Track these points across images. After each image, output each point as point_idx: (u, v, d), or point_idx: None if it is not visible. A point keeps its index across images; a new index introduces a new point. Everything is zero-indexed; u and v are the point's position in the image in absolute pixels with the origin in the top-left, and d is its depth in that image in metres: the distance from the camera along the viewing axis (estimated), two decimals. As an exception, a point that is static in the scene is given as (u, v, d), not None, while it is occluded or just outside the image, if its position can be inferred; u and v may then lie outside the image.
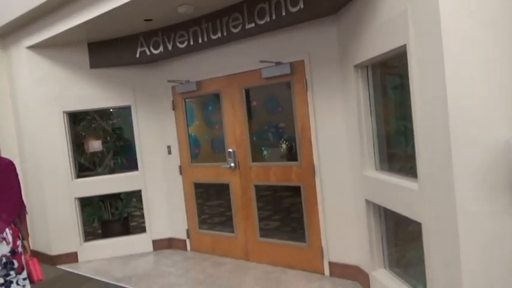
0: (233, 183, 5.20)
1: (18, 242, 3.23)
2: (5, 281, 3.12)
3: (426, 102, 2.61)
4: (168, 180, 5.91)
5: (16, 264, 3.17)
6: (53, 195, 5.64)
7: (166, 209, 5.96)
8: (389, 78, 3.79)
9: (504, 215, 2.37)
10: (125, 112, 6.08)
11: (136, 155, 5.90)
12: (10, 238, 3.15)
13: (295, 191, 4.71)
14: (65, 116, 5.67)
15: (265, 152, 5.07)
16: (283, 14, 4.06)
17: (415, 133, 2.80)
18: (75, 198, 5.72)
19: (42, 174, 5.63)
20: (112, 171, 6.12)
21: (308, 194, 4.53)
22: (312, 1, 3.80)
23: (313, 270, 4.57)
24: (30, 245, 3.48)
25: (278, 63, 4.51)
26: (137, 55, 5.39)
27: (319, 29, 4.25)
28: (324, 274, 4.49)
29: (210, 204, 6.02)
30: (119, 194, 6.16)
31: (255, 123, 5.08)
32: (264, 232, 5.06)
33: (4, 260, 3.12)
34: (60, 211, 5.66)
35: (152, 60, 5.63)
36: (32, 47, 5.52)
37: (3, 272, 3.12)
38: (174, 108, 5.71)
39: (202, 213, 5.84)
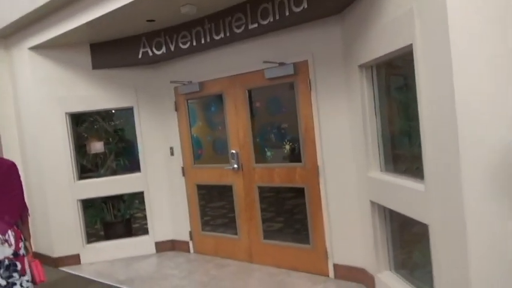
0: (236, 185, 5.17)
1: (21, 244, 3.19)
2: (8, 283, 3.09)
3: (433, 102, 2.58)
4: (170, 182, 5.88)
5: (19, 266, 3.14)
6: (55, 196, 5.62)
7: (169, 211, 5.93)
8: (394, 78, 3.75)
9: (513, 215, 2.34)
10: (127, 113, 6.05)
11: (138, 157, 5.87)
12: (12, 240, 3.12)
13: (299, 192, 4.67)
14: (67, 117, 5.65)
15: (268, 153, 5.04)
16: (287, 14, 4.02)
17: (421, 133, 2.77)
18: (77, 200, 5.70)
19: (44, 176, 5.61)
20: (114, 173, 6.10)
21: (312, 196, 4.49)
22: (315, 1, 3.76)
23: (317, 272, 4.53)
24: (32, 247, 3.46)
25: (281, 64, 4.48)
26: (139, 56, 5.36)
27: (322, 29, 4.21)
28: (328, 276, 4.45)
29: (213, 206, 5.99)
30: (122, 195, 6.13)
31: (258, 124, 5.05)
32: (268, 234, 5.02)
33: (7, 262, 3.09)
34: (62, 213, 5.64)
35: (155, 61, 5.60)
36: (34, 48, 5.51)
37: (6, 274, 3.09)
38: (176, 109, 5.68)
39: (205, 215, 5.81)
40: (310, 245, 4.58)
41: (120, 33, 5.26)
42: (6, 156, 5.50)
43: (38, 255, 5.26)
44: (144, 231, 6.14)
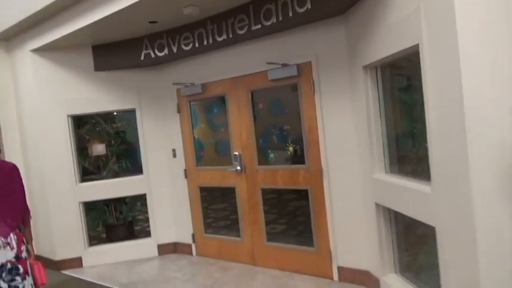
0: (239, 187, 5.14)
1: (23, 247, 3.18)
2: (9, 286, 3.07)
3: (441, 103, 2.54)
4: (173, 184, 5.85)
5: (21, 270, 3.13)
6: (57, 199, 5.59)
7: (172, 213, 5.90)
8: (399, 79, 3.72)
9: (523, 218, 2.30)
10: (129, 115, 6.03)
11: (140, 159, 5.85)
12: (14, 243, 3.10)
13: (303, 194, 4.64)
14: (69, 119, 5.63)
15: (271, 155, 5.00)
16: (290, 14, 4.00)
17: (428, 134, 2.73)
18: (79, 202, 5.67)
19: (46, 178, 5.58)
20: (116, 175, 6.07)
21: (316, 198, 4.46)
22: (319, 1, 3.74)
23: (321, 275, 4.49)
24: (34, 250, 3.43)
25: (285, 65, 4.45)
26: (142, 58, 5.34)
27: (326, 30, 4.19)
28: (332, 279, 4.41)
29: (216, 208, 5.96)
30: (124, 198, 6.10)
31: (261, 125, 5.02)
32: (271, 236, 4.99)
33: (9, 265, 3.07)
34: (64, 215, 5.61)
35: (157, 63, 5.58)
36: (36, 50, 5.49)
37: (9, 278, 3.07)
38: (179, 111, 5.65)
39: (207, 217, 5.77)
40: (314, 247, 4.55)
41: (122, 35, 5.24)
42: (8, 158, 5.47)
43: (39, 258, 5.23)
44: (147, 233, 6.11)
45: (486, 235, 2.32)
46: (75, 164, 5.65)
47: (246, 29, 4.43)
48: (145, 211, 6.05)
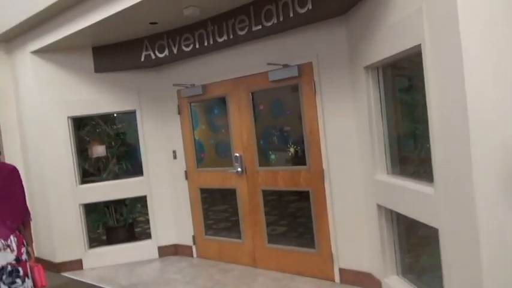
0: (240, 188, 5.12)
1: (23, 249, 3.16)
2: (10, 288, 3.05)
3: (443, 104, 2.52)
4: (173, 186, 5.83)
5: (21, 272, 3.11)
6: (57, 201, 5.57)
7: (172, 215, 5.88)
8: (401, 80, 3.71)
9: (527, 219, 2.28)
10: (129, 117, 6.01)
11: (141, 160, 5.83)
12: (14, 245, 3.08)
13: (304, 195, 4.62)
14: (69, 121, 5.61)
15: (272, 156, 4.98)
16: (291, 15, 3.99)
17: (430, 135, 2.71)
18: (79, 204, 5.65)
19: (46, 180, 5.56)
20: (116, 177, 6.05)
21: (317, 199, 4.44)
22: (320, 2, 3.73)
23: (323, 277, 4.47)
24: (35, 252, 3.41)
25: (286, 66, 4.43)
26: (142, 59, 5.33)
27: (327, 30, 4.17)
28: (334, 281, 4.39)
29: (216, 210, 5.93)
30: (124, 199, 6.08)
31: (262, 126, 5.00)
32: (272, 238, 4.97)
33: (9, 268, 3.05)
34: (64, 217, 5.59)
35: (157, 64, 5.57)
36: (36, 52, 5.47)
37: (9, 280, 3.05)
38: (179, 113, 5.64)
39: (208, 219, 5.75)
40: (316, 249, 4.52)
41: (123, 36, 5.23)
42: (8, 160, 5.46)
43: (39, 261, 5.20)
44: (147, 235, 6.09)
45: (489, 237, 2.30)
46: (75, 165, 5.64)
47: (246, 30, 4.41)
48: (145, 213, 6.03)
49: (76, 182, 5.63)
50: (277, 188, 4.82)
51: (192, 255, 5.74)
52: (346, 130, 4.14)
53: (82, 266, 5.66)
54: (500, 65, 2.27)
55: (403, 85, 3.72)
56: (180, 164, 5.71)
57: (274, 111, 5.03)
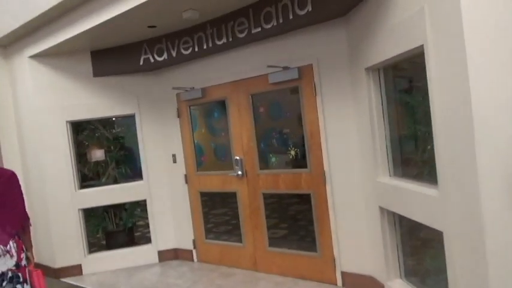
0: (240, 192, 5.08)
1: (23, 255, 3.15)
2: (11, 295, 3.03)
3: (447, 105, 2.49)
4: (173, 190, 5.80)
5: (22, 278, 3.10)
6: (57, 206, 5.53)
7: (172, 219, 5.84)
8: (403, 81, 3.68)
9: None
10: (128, 120, 5.98)
11: (140, 164, 5.80)
12: (14, 251, 3.06)
13: (305, 198, 4.59)
14: (68, 125, 5.58)
15: (273, 159, 4.95)
16: (291, 17, 3.97)
17: (434, 137, 2.68)
18: (79, 209, 5.61)
19: (45, 185, 5.52)
20: (115, 181, 6.01)
21: (319, 202, 4.41)
22: (320, 4, 3.70)
23: (325, 280, 4.43)
24: (35, 257, 3.39)
25: (286, 68, 4.41)
26: (141, 63, 5.30)
27: (327, 32, 4.15)
28: (336, 285, 4.35)
29: (217, 213, 5.90)
30: (123, 204, 6.04)
31: (262, 129, 4.97)
32: (273, 241, 4.93)
33: (10, 273, 3.04)
34: (63, 222, 5.56)
35: (156, 68, 5.54)
36: (34, 56, 5.44)
37: (10, 286, 3.03)
38: (179, 116, 5.61)
39: (208, 223, 5.71)
40: (317, 252, 4.49)
41: (121, 40, 5.20)
42: (6, 165, 5.43)
43: (39, 266, 5.15)
44: (147, 240, 6.05)
45: (495, 239, 2.27)
46: (74, 170, 5.60)
47: (246, 33, 4.39)
48: (145, 217, 5.99)
49: (75, 186, 5.60)
50: (278, 191, 4.78)
51: (192, 260, 5.70)
52: (347, 132, 4.12)
53: (82, 271, 5.62)
54: (505, 64, 2.24)
55: (404, 86, 3.70)
56: (180, 168, 5.68)
57: (275, 113, 5.00)
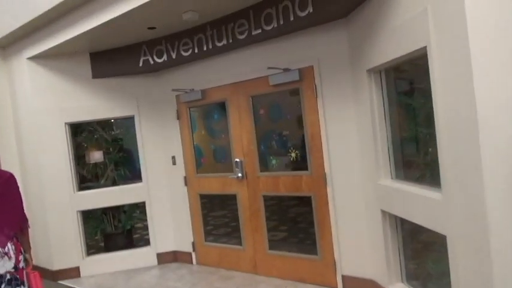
0: (240, 194, 5.05)
1: (21, 257, 3.14)
2: (10, 297, 3.01)
3: (451, 107, 2.47)
4: (172, 192, 5.76)
5: (19, 280, 3.07)
6: (55, 208, 5.50)
7: (171, 221, 5.80)
8: (405, 83, 3.66)
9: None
10: (127, 122, 5.95)
11: (139, 166, 5.76)
12: (12, 253, 3.04)
13: (305, 200, 4.56)
14: (66, 127, 5.55)
15: (273, 161, 4.92)
16: (291, 18, 3.95)
17: (437, 140, 2.65)
18: (77, 211, 5.58)
19: (43, 187, 5.49)
20: (114, 183, 5.98)
21: (319, 205, 4.38)
22: (321, 5, 3.68)
23: (325, 284, 4.40)
24: (33, 259, 3.36)
25: (286, 70, 4.38)
26: (140, 64, 5.28)
27: (328, 34, 4.13)
28: (337, 288, 4.33)
29: (216, 216, 5.87)
30: (122, 206, 6.00)
31: (262, 131, 4.94)
32: (273, 244, 4.90)
33: (8, 276, 3.02)
34: (62, 224, 5.52)
35: (156, 69, 5.52)
36: (33, 58, 5.41)
37: (9, 289, 3.01)
38: (178, 118, 5.58)
39: (208, 225, 5.68)
40: (318, 255, 4.46)
41: (120, 42, 5.18)
42: (4, 167, 5.39)
43: (36, 268, 5.09)
44: (146, 242, 6.02)
45: (501, 243, 2.24)
46: (72, 172, 5.57)
47: (246, 34, 4.37)
48: (144, 219, 5.96)
49: (73, 188, 5.57)
50: (279, 194, 4.75)
51: (191, 262, 5.67)
52: (348, 134, 4.09)
53: (80, 274, 5.57)
54: (510, 64, 2.22)
55: (406, 88, 3.68)
56: (180, 170, 5.64)
57: (275, 115, 4.98)
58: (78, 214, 5.60)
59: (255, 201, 4.92)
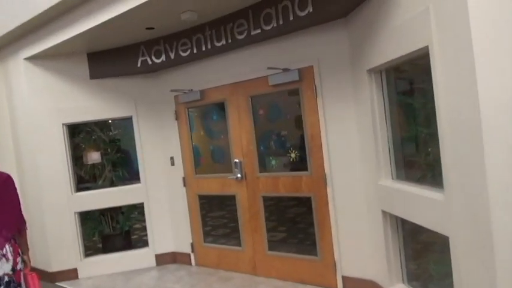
0: (240, 195, 5.03)
1: (18, 259, 3.11)
2: (8, 300, 2.98)
3: (453, 107, 2.45)
4: (171, 192, 5.74)
5: (16, 282, 3.04)
6: (52, 209, 5.46)
7: (170, 222, 5.77)
8: (405, 83, 3.64)
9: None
10: (125, 123, 5.92)
11: (137, 167, 5.73)
12: (10, 255, 3.01)
13: (305, 201, 4.54)
14: (64, 128, 5.51)
15: (273, 162, 4.90)
16: (291, 18, 3.92)
17: (440, 139, 2.64)
18: (75, 212, 5.54)
19: (41, 188, 5.45)
20: (112, 184, 5.94)
21: (319, 205, 4.36)
22: (321, 4, 3.66)
23: (325, 285, 4.38)
24: (31, 260, 3.33)
25: (286, 70, 4.36)
26: (138, 64, 5.25)
27: (328, 33, 4.11)
28: (337, 289, 4.31)
29: (215, 217, 5.84)
30: (120, 207, 5.97)
31: (262, 132, 4.92)
32: (273, 245, 4.87)
33: (6, 278, 2.99)
34: (59, 226, 5.48)
35: (154, 70, 5.49)
36: (29, 58, 5.37)
37: (6, 292, 2.98)
38: (177, 118, 5.55)
39: (206, 226, 5.65)
40: (318, 256, 4.44)
41: (118, 42, 5.15)
42: (2, 168, 5.33)
43: (34, 270, 5.06)
44: (144, 243, 5.99)
45: (504, 244, 2.22)
46: (70, 173, 5.53)
47: (245, 34, 4.35)
48: (142, 220, 5.93)
49: (71, 189, 5.53)
50: (278, 194, 4.73)
51: (190, 263, 5.64)
52: (349, 134, 4.07)
53: (77, 275, 5.54)
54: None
55: (406, 88, 3.66)
56: (178, 171, 5.61)
57: (274, 115, 4.96)
58: (76, 215, 5.56)
59: (254, 202, 4.89)
